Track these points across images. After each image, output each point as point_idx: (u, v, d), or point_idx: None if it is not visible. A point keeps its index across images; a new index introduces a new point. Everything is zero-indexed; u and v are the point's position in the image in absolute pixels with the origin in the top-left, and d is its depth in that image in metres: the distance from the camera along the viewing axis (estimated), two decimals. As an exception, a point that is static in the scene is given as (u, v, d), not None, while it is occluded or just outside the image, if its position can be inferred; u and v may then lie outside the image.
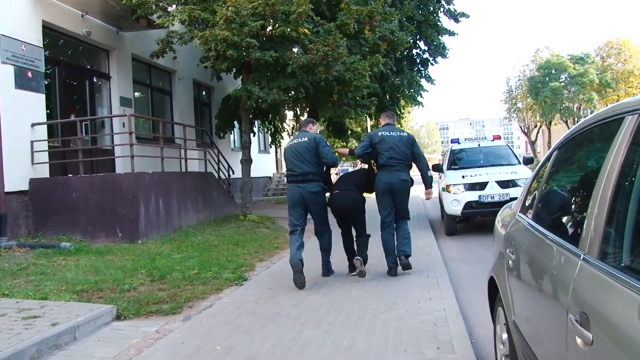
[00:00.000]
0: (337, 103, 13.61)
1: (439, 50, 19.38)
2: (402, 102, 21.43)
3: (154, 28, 12.51)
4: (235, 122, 16.57)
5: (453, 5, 19.05)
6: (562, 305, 1.92)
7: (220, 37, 10.63)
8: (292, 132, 21.77)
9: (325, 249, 7.22)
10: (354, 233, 7.24)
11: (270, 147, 24.08)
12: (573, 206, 2.44)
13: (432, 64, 19.98)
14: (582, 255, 1.87)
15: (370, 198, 7.52)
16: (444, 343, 4.27)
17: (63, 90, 11.64)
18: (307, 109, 17.03)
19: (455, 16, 18.93)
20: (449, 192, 10.90)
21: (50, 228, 9.70)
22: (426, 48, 19.75)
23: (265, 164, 25.10)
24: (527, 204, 3.23)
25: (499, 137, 13.32)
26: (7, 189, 9.21)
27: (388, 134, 7.01)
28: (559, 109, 47.42)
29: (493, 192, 10.61)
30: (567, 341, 1.83)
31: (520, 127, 58.31)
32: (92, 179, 9.98)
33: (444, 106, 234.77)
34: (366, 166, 8.12)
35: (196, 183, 12.35)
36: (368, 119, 32.25)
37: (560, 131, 50.41)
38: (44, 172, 10.16)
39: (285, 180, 7.26)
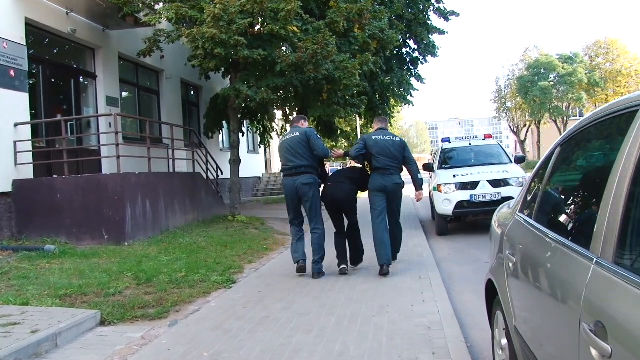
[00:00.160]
0: (326, 102, 13.47)
1: (429, 49, 19.28)
2: (392, 102, 21.32)
3: (141, 26, 12.29)
4: (224, 122, 16.39)
5: (443, 3, 18.98)
6: (572, 313, 1.77)
7: (208, 35, 10.46)
8: (282, 132, 21.57)
9: (316, 249, 7.18)
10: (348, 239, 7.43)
11: (260, 147, 23.86)
12: (580, 206, 2.28)
13: (422, 63, 19.89)
14: (594, 259, 1.73)
15: (361, 198, 7.56)
16: (440, 348, 4.13)
17: (48, 89, 11.41)
18: (297, 108, 16.86)
19: (445, 15, 18.84)
20: (440, 191, 10.78)
21: (35, 230, 9.47)
22: (416, 47, 19.65)
23: (255, 164, 24.90)
24: (527, 204, 3.09)
25: (490, 136, 13.22)
26: (-10, 190, 8.99)
27: (382, 138, 7.25)
28: (548, 109, 47.57)
29: (485, 191, 10.50)
30: (579, 352, 1.69)
31: (510, 127, 58.52)
32: (77, 180, 9.77)
33: (433, 106, 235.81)
34: (359, 166, 8.29)
35: (184, 184, 12.16)
36: (357, 119, 32.19)
37: (550, 130, 50.75)
38: (27, 173, 9.94)
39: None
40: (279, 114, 20.08)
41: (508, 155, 12.24)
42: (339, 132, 24.04)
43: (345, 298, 5.90)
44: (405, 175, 7.53)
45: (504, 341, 3.14)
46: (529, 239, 2.66)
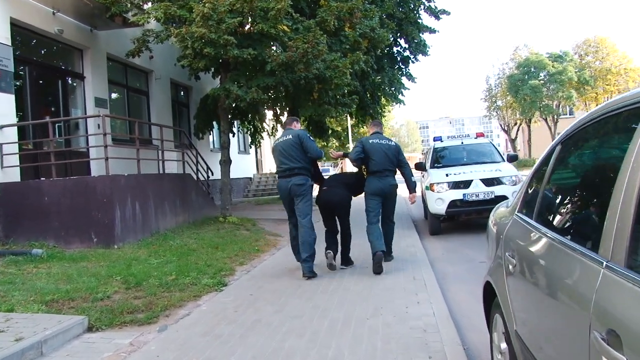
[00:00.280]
0: (317, 102, 13.36)
1: (419, 48, 19.21)
2: (383, 101, 21.25)
3: (129, 26, 12.13)
4: (215, 123, 16.26)
5: (434, 2, 18.94)
6: (581, 319, 1.68)
7: (197, 35, 10.33)
8: (272, 132, 21.45)
9: (305, 246, 7.11)
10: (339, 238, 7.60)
11: (250, 147, 23.72)
12: (586, 206, 2.17)
13: (412, 62, 19.84)
14: (604, 263, 1.64)
15: (355, 200, 7.72)
16: (436, 352, 4.03)
17: (35, 91, 11.24)
18: (287, 108, 16.73)
19: (436, 13, 18.79)
20: (433, 190, 10.70)
21: (22, 234, 9.29)
22: (407, 46, 19.60)
23: (246, 165, 24.74)
24: (526, 203, 2.99)
25: (482, 135, 13.16)
26: (-25, 194, 8.82)
27: (378, 142, 7.56)
28: (539, 107, 47.68)
29: (477, 190, 10.43)
30: (589, 361, 1.60)
31: (500, 125, 58.59)
32: (65, 183, 9.61)
33: (424, 105, 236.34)
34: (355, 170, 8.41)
35: (174, 185, 12.02)
36: (348, 118, 32.11)
37: (540, 129, 50.88)
38: (14, 175, 9.78)
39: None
40: (269, 114, 19.97)
41: (500, 154, 12.17)
42: (329, 131, 23.90)
43: (338, 300, 5.80)
44: (397, 177, 7.76)
45: (504, 345, 3.05)
46: (530, 240, 2.56)
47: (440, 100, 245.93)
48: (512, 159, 11.98)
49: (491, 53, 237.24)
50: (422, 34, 18.96)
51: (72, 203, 9.38)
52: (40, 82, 11.64)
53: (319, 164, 8.21)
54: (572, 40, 70.31)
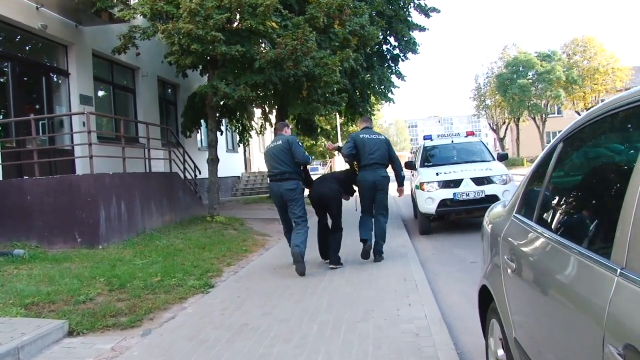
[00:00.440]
0: (306, 99, 13.22)
1: (409, 46, 19.12)
2: (373, 99, 21.14)
3: (115, 22, 11.92)
4: (202, 121, 16.06)
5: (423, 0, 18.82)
6: (594, 332, 1.54)
7: (184, 31, 10.15)
8: (261, 131, 21.27)
9: (298, 245, 7.24)
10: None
11: (239, 146, 23.49)
12: (594, 208, 2.01)
13: (402, 60, 19.73)
14: (617, 270, 1.50)
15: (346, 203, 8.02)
16: (429, 357, 3.90)
17: (17, 87, 10.98)
18: (276, 106, 16.59)
19: (425, 11, 18.67)
20: (423, 190, 10.59)
21: (4, 234, 9.07)
22: (396, 44, 19.49)
23: (234, 163, 24.53)
24: (526, 204, 2.86)
25: (472, 134, 13.04)
26: (-45, 193, 8.59)
27: (369, 137, 7.80)
28: (527, 106, 47.72)
29: (468, 189, 10.33)
30: (604, 379, 1.46)
31: (489, 124, 58.65)
32: (48, 181, 9.40)
33: (413, 104, 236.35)
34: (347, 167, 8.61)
35: (160, 184, 11.82)
36: (338, 117, 32.01)
37: (529, 128, 50.98)
38: (-4, 174, 9.56)
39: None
40: (258, 112, 19.81)
41: (491, 153, 12.08)
42: (319, 130, 23.82)
43: (327, 302, 5.66)
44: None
45: (500, 352, 2.92)
46: (532, 243, 2.43)
47: (429, 99, 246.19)
48: (503, 157, 11.90)
49: (480, 52, 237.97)
50: (412, 31, 18.87)
51: (56, 202, 9.18)
52: (24, 78, 11.40)
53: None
54: (560, 39, 70.55)
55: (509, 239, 2.82)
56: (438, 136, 13.25)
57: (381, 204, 7.83)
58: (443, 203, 10.40)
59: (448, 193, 10.39)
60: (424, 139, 13.22)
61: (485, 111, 56.28)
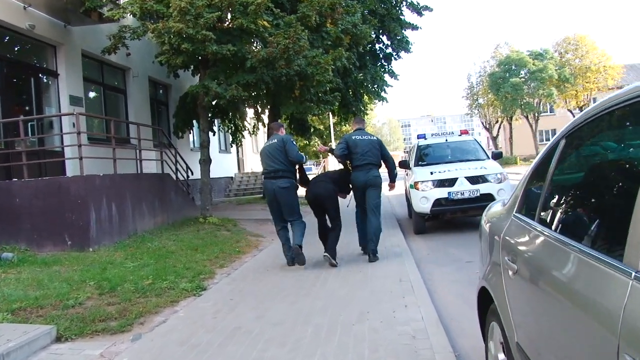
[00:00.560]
0: (299, 99, 13.11)
1: (402, 45, 19.04)
2: (366, 98, 21.05)
3: (105, 22, 11.76)
4: (195, 121, 15.93)
5: (416, -3, 18.74)
6: (606, 340, 1.44)
7: (174, 30, 10.02)
8: (254, 131, 21.14)
9: (297, 235, 7.70)
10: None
11: (232, 146, 23.33)
12: (603, 206, 1.89)
13: (395, 59, 19.67)
14: (632, 273, 1.40)
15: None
16: (426, 360, 3.80)
17: (5, 88, 10.84)
18: (268, 106, 16.47)
19: (418, 10, 18.59)
20: (417, 189, 10.49)
21: (-8, 237, 8.92)
22: (389, 42, 19.41)
23: (227, 164, 24.38)
24: (527, 203, 2.76)
25: (466, 132, 12.96)
26: (-58, 196, 8.43)
27: (361, 138, 7.99)
28: (520, 105, 47.75)
29: (463, 188, 10.24)
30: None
31: (482, 123, 58.68)
32: (37, 183, 9.25)
33: (406, 103, 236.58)
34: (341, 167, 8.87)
35: (152, 185, 11.68)
36: (331, 116, 31.91)
37: (522, 126, 51.03)
38: (-16, 176, 9.40)
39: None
40: (250, 112, 19.69)
41: (485, 151, 11.99)
42: (312, 130, 23.69)
43: (322, 304, 5.55)
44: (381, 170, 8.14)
45: (501, 356, 2.82)
46: (535, 245, 2.32)
47: (422, 99, 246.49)
48: (497, 156, 11.80)
49: (472, 51, 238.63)
50: (405, 30, 18.78)
51: (45, 204, 9.04)
52: (12, 79, 11.24)
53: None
54: (552, 38, 70.54)
55: (510, 239, 2.72)
56: (432, 135, 13.17)
57: (373, 202, 7.91)
58: (438, 202, 10.31)
59: (443, 192, 10.30)
60: (418, 138, 13.12)
61: (478, 110, 56.29)
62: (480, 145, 12.35)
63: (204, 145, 13.20)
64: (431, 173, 10.65)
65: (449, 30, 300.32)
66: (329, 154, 9.32)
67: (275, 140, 7.80)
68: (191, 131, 17.83)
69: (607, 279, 1.53)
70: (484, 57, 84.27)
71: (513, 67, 48.65)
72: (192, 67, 13.39)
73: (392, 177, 8.39)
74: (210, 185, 13.94)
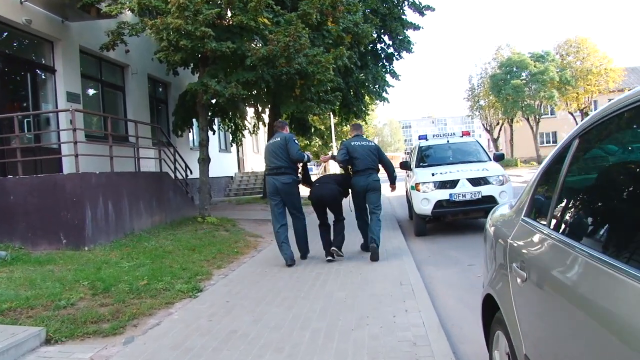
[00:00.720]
0: (299, 98, 12.96)
1: (403, 45, 18.90)
2: (367, 99, 20.91)
3: (103, 18, 11.59)
4: (194, 120, 15.78)
5: (418, -3, 18.61)
6: (628, 357, 1.29)
7: (172, 26, 9.88)
8: (254, 131, 20.99)
9: (300, 234, 8.22)
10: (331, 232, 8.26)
11: (232, 145, 23.20)
12: (627, 213, 1.70)
13: (396, 59, 19.53)
14: None
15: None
16: (428, 369, 3.65)
17: (1, 84, 10.69)
18: (269, 105, 16.32)
19: (420, 9, 18.46)
20: (419, 190, 10.34)
21: (-14, 235, 8.78)
22: (391, 42, 19.27)
23: (227, 163, 24.24)
24: (537, 207, 2.61)
25: (468, 134, 12.82)
26: None
27: (360, 144, 8.32)
28: (521, 107, 47.56)
29: (464, 190, 10.10)
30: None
31: (483, 125, 58.49)
32: (32, 181, 9.10)
33: (406, 104, 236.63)
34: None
35: (150, 184, 11.53)
36: (332, 117, 31.75)
37: (522, 129, 50.89)
38: (-22, 173, 9.25)
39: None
40: (250, 111, 19.55)
41: (487, 153, 11.84)
42: (312, 129, 23.53)
43: (320, 308, 5.40)
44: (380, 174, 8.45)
45: (507, 367, 2.67)
46: (548, 252, 2.16)
47: (423, 100, 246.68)
48: (499, 158, 11.64)
49: (474, 52, 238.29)
50: (407, 30, 18.65)
51: (40, 202, 8.90)
52: (7, 75, 11.09)
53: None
54: (554, 40, 70.32)
55: (518, 244, 2.57)
56: (433, 136, 13.00)
57: (374, 204, 8.19)
58: (439, 204, 10.17)
59: (444, 194, 10.16)
60: (419, 139, 12.96)
61: (479, 112, 56.10)
62: (482, 146, 12.20)
63: (203, 144, 13.05)
64: (432, 174, 10.50)
65: (450, 32, 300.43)
66: (332, 160, 9.54)
67: (279, 139, 8.05)
68: (191, 130, 17.69)
69: (629, 290, 1.39)
70: (486, 58, 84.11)
71: (514, 69, 48.46)
72: (191, 64, 13.23)
73: (392, 180, 8.67)
74: (209, 185, 13.79)
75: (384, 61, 19.57)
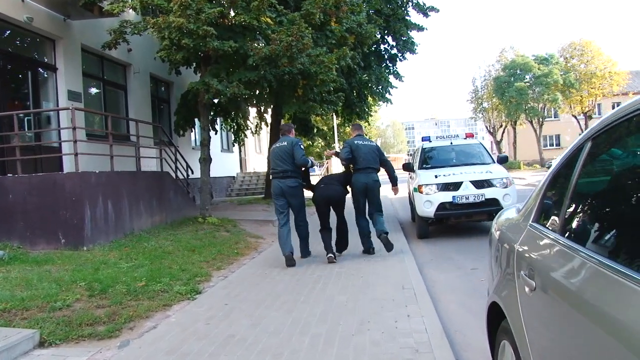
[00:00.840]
0: (302, 98, 12.86)
1: (407, 46, 18.81)
2: (370, 100, 20.81)
3: (105, 16, 11.50)
4: (196, 120, 15.68)
5: (422, -2, 18.50)
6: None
7: (174, 25, 9.79)
8: (256, 131, 20.90)
9: (304, 237, 8.44)
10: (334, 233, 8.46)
11: (234, 145, 23.10)
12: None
13: (400, 60, 19.43)
14: None
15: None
16: (431, 378, 3.55)
17: (2, 82, 10.61)
18: (271, 105, 16.23)
19: (424, 10, 18.36)
20: (421, 192, 10.23)
21: (-17, 234, 8.69)
22: (394, 43, 19.17)
23: (229, 163, 24.14)
24: (546, 212, 2.50)
25: (471, 135, 12.69)
26: None
27: (362, 143, 8.54)
28: (524, 109, 47.42)
29: (468, 192, 9.98)
30: None
31: (486, 127, 58.37)
32: (31, 180, 9.01)
33: (410, 106, 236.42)
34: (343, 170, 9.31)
35: (150, 183, 11.44)
36: (334, 117, 31.66)
37: (526, 131, 50.73)
38: (-23, 172, 9.16)
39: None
40: (253, 111, 19.45)
41: (490, 155, 11.72)
42: (315, 130, 23.44)
43: (321, 312, 5.30)
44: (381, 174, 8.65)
45: (514, 379, 2.56)
46: (558, 260, 2.05)
47: (426, 102, 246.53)
48: (503, 160, 11.52)
49: (477, 54, 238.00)
50: (410, 31, 18.55)
51: (39, 201, 8.82)
52: (8, 73, 11.01)
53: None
54: (558, 43, 70.17)
55: (526, 251, 2.46)
56: (437, 137, 12.87)
57: (376, 202, 8.48)
58: (442, 206, 10.05)
59: (447, 196, 10.04)
60: (423, 140, 12.84)
61: (483, 114, 55.99)
62: (485, 148, 12.09)
63: (204, 144, 12.96)
64: (436, 176, 10.38)
65: (454, 33, 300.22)
66: (334, 156, 9.69)
67: (285, 143, 8.17)
68: (192, 129, 17.59)
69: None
70: (489, 60, 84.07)
71: (518, 72, 48.36)
72: (194, 64, 13.14)
73: (393, 180, 8.76)
74: (211, 185, 13.72)
75: (388, 62, 19.47)
